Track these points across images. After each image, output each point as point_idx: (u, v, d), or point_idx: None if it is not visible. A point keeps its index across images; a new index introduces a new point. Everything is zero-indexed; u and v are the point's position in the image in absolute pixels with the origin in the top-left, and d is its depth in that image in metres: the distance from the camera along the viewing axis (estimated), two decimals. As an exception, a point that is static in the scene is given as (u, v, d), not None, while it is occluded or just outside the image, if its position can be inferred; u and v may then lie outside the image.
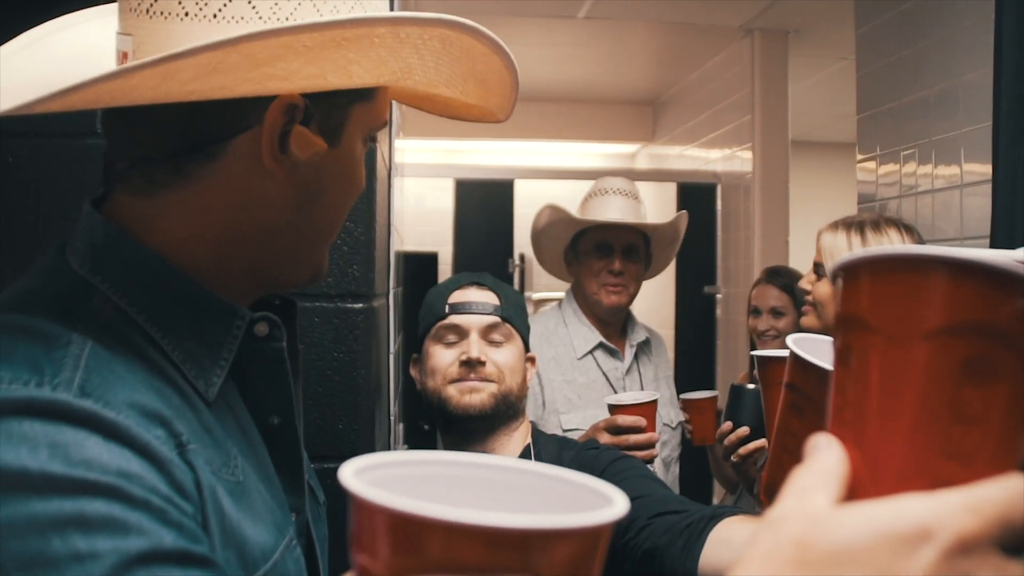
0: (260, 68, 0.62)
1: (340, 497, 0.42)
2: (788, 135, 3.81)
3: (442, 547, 0.38)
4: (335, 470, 0.43)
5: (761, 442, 1.81)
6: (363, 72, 0.67)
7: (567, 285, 2.37)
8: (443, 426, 1.54)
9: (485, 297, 1.55)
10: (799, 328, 2.05)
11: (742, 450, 1.84)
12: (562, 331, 2.24)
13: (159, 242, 0.69)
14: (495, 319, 1.52)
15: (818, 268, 1.85)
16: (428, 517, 0.38)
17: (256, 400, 0.76)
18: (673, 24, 3.85)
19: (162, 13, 0.65)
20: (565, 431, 2.06)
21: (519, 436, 1.52)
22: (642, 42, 4.25)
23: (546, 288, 5.01)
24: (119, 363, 0.62)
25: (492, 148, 5.77)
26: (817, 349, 0.85)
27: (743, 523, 1.12)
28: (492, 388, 1.47)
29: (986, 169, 1.93)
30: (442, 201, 4.40)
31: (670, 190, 4.35)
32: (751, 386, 1.90)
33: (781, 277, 2.58)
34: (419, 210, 4.67)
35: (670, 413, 2.27)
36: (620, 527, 1.20)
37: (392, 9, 1.05)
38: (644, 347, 2.32)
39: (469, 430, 1.48)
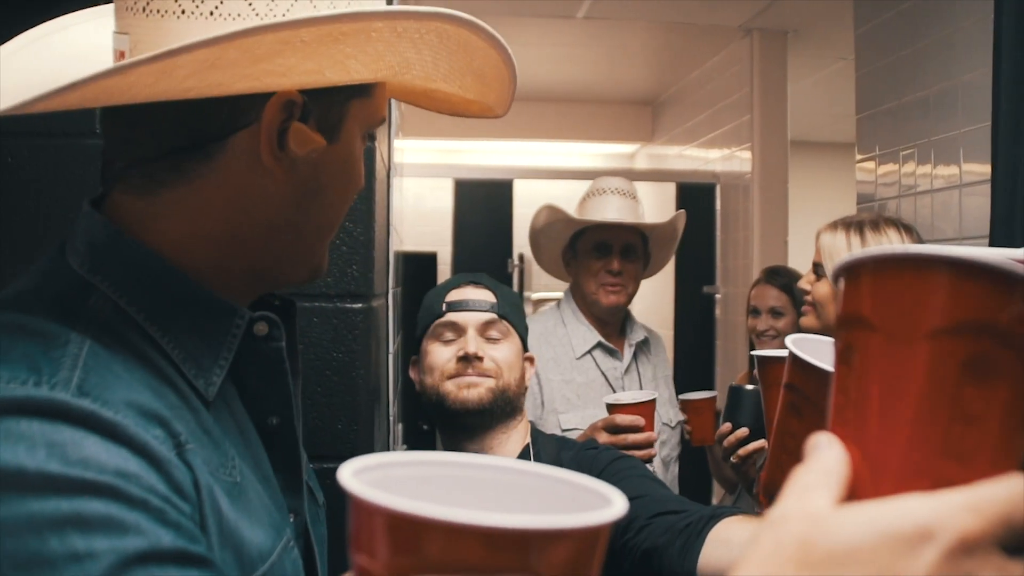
0: (258, 64, 0.62)
1: (339, 497, 0.42)
2: (787, 135, 3.81)
3: (441, 548, 0.38)
4: (334, 470, 0.43)
5: (760, 443, 1.80)
6: (361, 67, 0.67)
7: (567, 285, 2.37)
8: (441, 423, 1.54)
9: (482, 295, 1.56)
10: (798, 328, 2.06)
11: (741, 451, 1.84)
12: (561, 331, 2.24)
13: (158, 241, 0.69)
14: (492, 315, 1.53)
15: (817, 268, 1.85)
16: (427, 517, 0.38)
17: (255, 400, 0.76)
18: (672, 24, 3.85)
19: (158, 11, 0.65)
20: (564, 431, 2.06)
21: (518, 435, 1.52)
22: (641, 42, 4.25)
23: (545, 288, 5.01)
24: (117, 362, 0.62)
25: (491, 148, 5.77)
26: (816, 350, 0.85)
27: (742, 523, 1.12)
28: (490, 383, 1.48)
29: (985, 169, 1.93)
30: (441, 201, 4.40)
31: (669, 190, 4.35)
32: (750, 387, 1.90)
33: (780, 277, 2.58)
34: (418, 210, 4.67)
35: (669, 412, 2.27)
36: (619, 527, 1.20)
37: (389, 4, 1.04)
38: (643, 347, 2.32)
39: (467, 425, 1.48)
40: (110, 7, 0.73)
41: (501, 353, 1.51)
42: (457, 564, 0.38)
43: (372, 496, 0.39)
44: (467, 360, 1.49)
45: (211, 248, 0.71)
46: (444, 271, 4.13)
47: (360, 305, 1.30)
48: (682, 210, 2.36)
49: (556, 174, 4.97)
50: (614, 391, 2.16)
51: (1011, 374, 0.41)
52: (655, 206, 4.14)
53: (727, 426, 1.88)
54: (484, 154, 5.75)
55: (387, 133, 1.61)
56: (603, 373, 2.21)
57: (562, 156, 6.02)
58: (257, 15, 0.65)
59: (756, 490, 1.74)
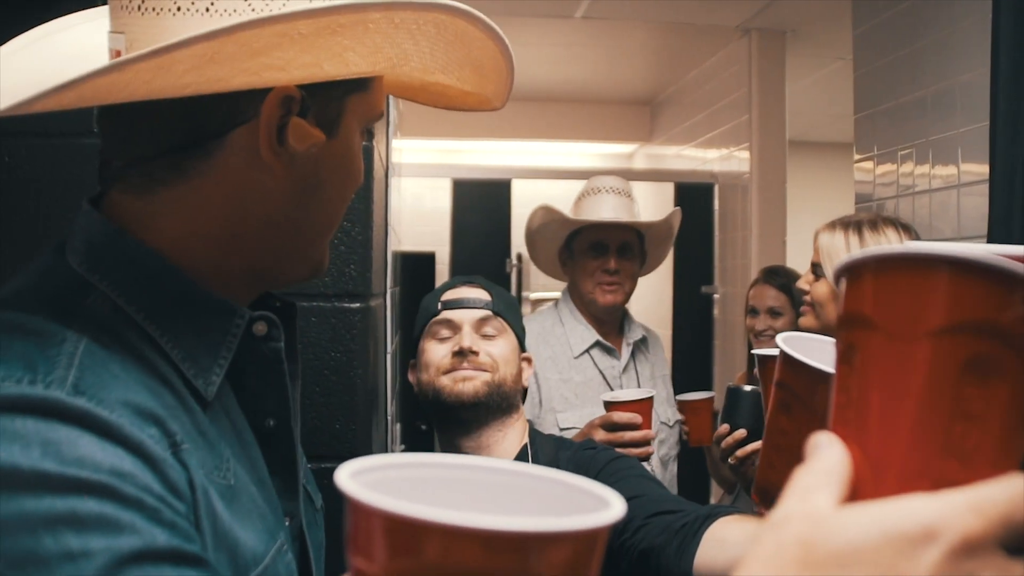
0: (256, 58, 0.62)
1: (337, 499, 0.41)
2: (785, 135, 3.81)
3: (439, 550, 0.38)
4: (332, 470, 0.43)
5: (759, 444, 1.80)
6: (359, 59, 0.67)
7: (565, 285, 2.37)
8: (437, 419, 1.55)
9: (477, 294, 1.58)
10: (797, 328, 2.05)
11: (740, 452, 1.83)
12: (559, 330, 2.24)
13: (157, 240, 0.69)
14: (487, 312, 1.55)
15: (816, 268, 1.84)
16: (425, 520, 0.38)
17: (252, 401, 0.75)
18: (670, 24, 3.85)
19: (154, 9, 0.65)
20: (562, 430, 2.06)
21: (515, 434, 1.52)
22: (639, 42, 4.25)
23: (544, 288, 5.01)
24: (114, 362, 0.62)
25: (489, 148, 5.76)
26: (808, 348, 0.85)
27: (738, 523, 1.12)
28: (485, 377, 1.49)
29: (983, 169, 1.93)
30: (440, 201, 4.40)
31: (667, 190, 4.36)
32: (748, 387, 1.90)
33: (779, 277, 2.58)
34: (417, 210, 4.67)
35: (667, 411, 2.27)
36: (617, 527, 1.20)
37: None
38: (641, 345, 2.32)
39: (462, 420, 1.48)
40: (110, 8, 0.72)
41: (496, 348, 1.52)
42: (455, 567, 0.38)
43: (370, 498, 0.39)
44: (462, 355, 1.49)
45: (211, 246, 0.70)
46: (442, 271, 4.13)
47: (358, 305, 1.30)
48: (677, 207, 2.36)
49: (554, 174, 4.97)
50: (612, 390, 2.15)
51: (1012, 374, 0.41)
52: (653, 206, 4.14)
53: (725, 427, 1.87)
54: (482, 154, 5.74)
55: (385, 133, 1.61)
56: (601, 372, 2.20)
57: (560, 156, 6.02)
58: (253, 10, 0.65)
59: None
